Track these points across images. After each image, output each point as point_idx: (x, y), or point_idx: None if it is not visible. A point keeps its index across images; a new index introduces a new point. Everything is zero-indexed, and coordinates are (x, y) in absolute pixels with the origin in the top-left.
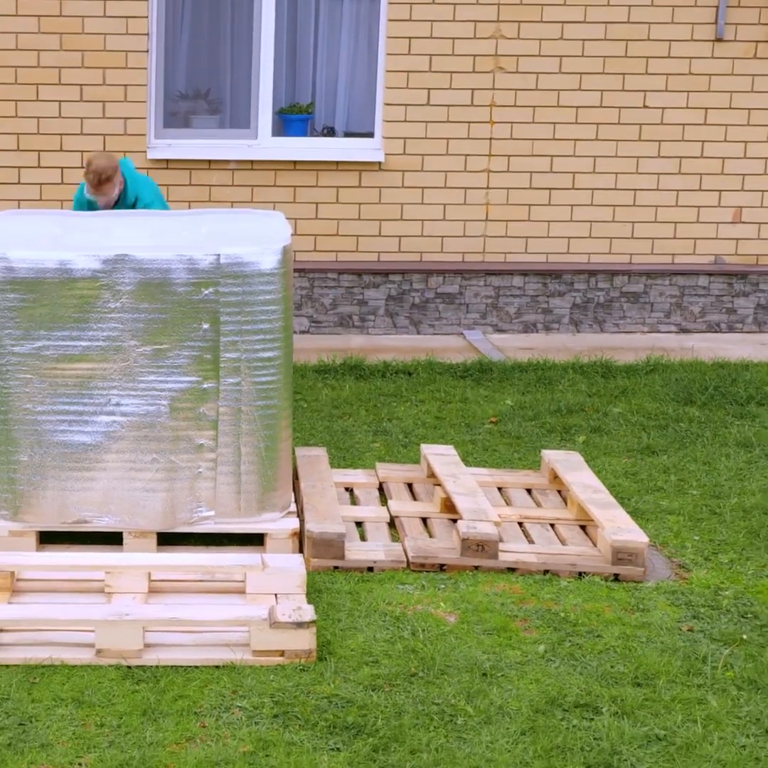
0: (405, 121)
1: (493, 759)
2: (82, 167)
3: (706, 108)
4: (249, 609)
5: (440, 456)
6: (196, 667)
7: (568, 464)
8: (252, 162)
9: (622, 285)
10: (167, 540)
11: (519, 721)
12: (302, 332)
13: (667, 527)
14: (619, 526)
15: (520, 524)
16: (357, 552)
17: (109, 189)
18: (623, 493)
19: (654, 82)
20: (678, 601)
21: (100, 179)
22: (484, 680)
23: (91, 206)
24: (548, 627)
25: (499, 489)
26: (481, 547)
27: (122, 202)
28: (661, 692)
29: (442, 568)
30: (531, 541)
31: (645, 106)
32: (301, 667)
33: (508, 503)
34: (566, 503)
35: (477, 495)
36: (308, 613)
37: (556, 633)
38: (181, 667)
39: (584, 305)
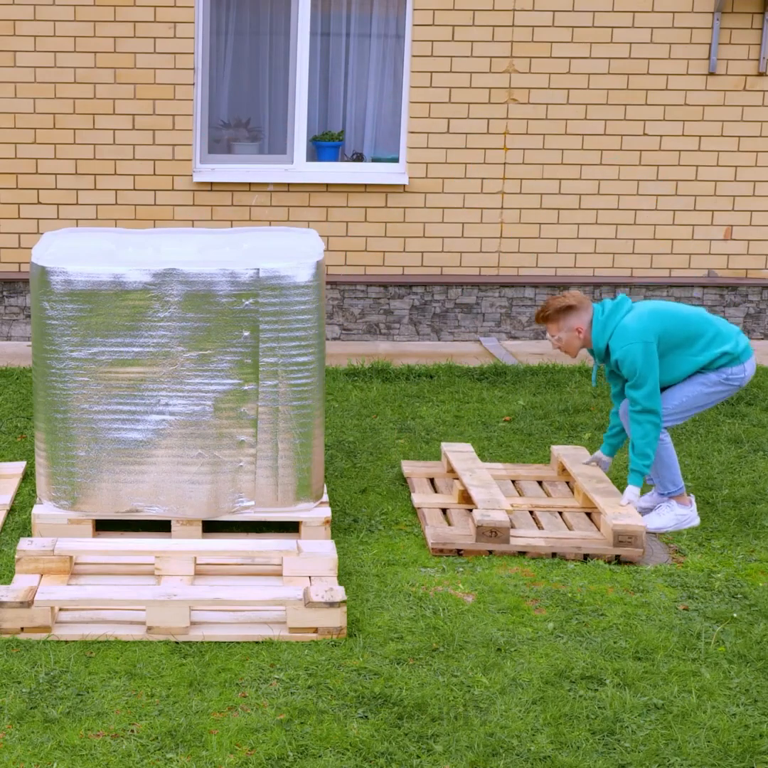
0: (427, 147)
1: (507, 726)
2: (133, 189)
3: (700, 136)
4: (285, 590)
5: (458, 453)
6: (238, 642)
7: (575, 458)
8: (288, 185)
9: None
10: (211, 527)
11: (530, 691)
12: (334, 339)
13: None
14: (620, 512)
15: (531, 512)
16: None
17: (550, 329)
18: (624, 484)
19: (653, 112)
20: (674, 583)
21: (541, 312)
22: (499, 655)
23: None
24: (557, 606)
25: (513, 481)
26: (494, 533)
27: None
28: (659, 665)
29: (459, 553)
30: (541, 527)
31: (645, 134)
32: (332, 643)
33: (520, 494)
34: (573, 493)
35: (491, 487)
36: (339, 593)
37: (564, 612)
38: (224, 642)
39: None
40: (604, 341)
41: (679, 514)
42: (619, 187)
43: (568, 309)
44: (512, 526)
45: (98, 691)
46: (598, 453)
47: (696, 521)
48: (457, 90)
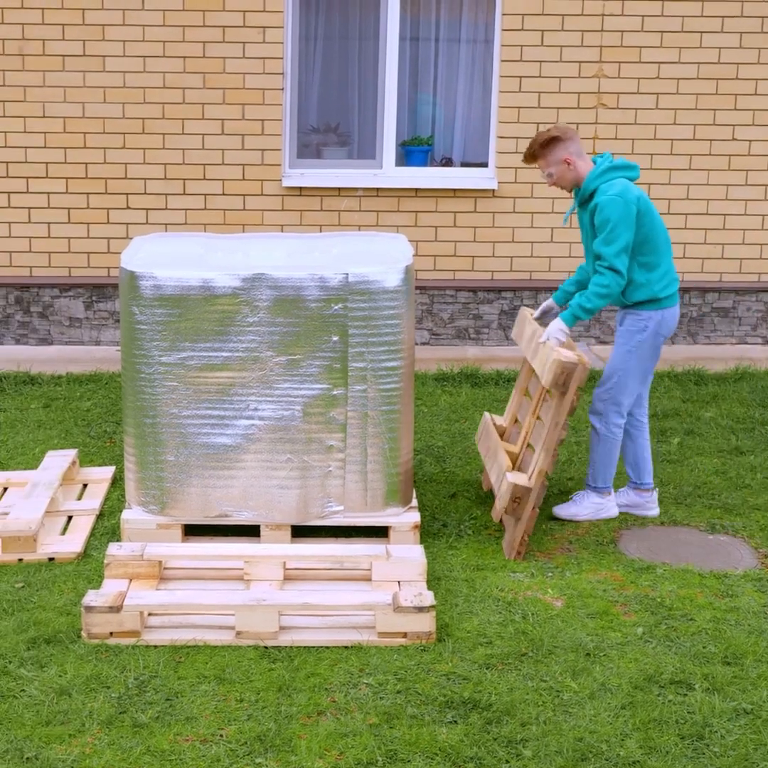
0: (516, 152)
1: (596, 731)
2: (222, 194)
3: None
4: (374, 595)
5: None
6: (327, 647)
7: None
8: (377, 189)
9: (712, 301)
10: (300, 532)
11: (619, 696)
12: (423, 344)
13: (754, 521)
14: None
15: None
16: None
17: (540, 165)
18: (714, 489)
19: (742, 117)
20: (764, 588)
21: (528, 151)
22: (588, 659)
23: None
24: (646, 611)
25: None
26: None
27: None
28: (749, 670)
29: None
30: None
31: (734, 139)
32: (421, 648)
33: None
34: None
35: None
36: (428, 598)
37: (653, 616)
38: (313, 647)
39: (679, 319)
40: (595, 183)
41: (596, 503)
42: (707, 192)
43: (552, 140)
44: None
45: (187, 695)
46: (549, 301)
47: (615, 512)
48: (546, 95)
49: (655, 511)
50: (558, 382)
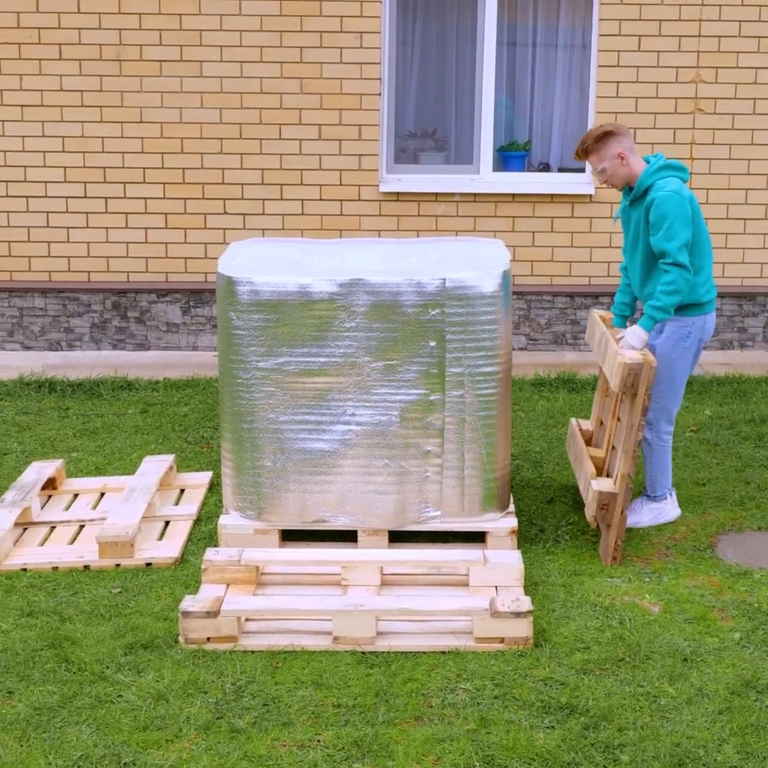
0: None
1: (693, 736)
2: (319, 199)
3: None
4: (472, 600)
5: None
6: (424, 652)
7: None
8: (475, 195)
9: None
10: (397, 537)
11: (717, 701)
12: (520, 349)
13: None
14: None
15: None
16: None
17: (592, 161)
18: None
19: None
20: None
21: (580, 146)
22: (685, 665)
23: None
24: (743, 616)
25: None
26: None
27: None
28: None
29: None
30: None
31: None
32: (519, 653)
33: None
34: None
35: None
36: (526, 603)
37: (750, 622)
38: (410, 652)
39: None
40: (651, 179)
41: (655, 508)
42: None
43: (607, 135)
44: None
45: (284, 701)
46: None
47: (675, 514)
48: (643, 100)
49: (675, 513)
50: (626, 384)
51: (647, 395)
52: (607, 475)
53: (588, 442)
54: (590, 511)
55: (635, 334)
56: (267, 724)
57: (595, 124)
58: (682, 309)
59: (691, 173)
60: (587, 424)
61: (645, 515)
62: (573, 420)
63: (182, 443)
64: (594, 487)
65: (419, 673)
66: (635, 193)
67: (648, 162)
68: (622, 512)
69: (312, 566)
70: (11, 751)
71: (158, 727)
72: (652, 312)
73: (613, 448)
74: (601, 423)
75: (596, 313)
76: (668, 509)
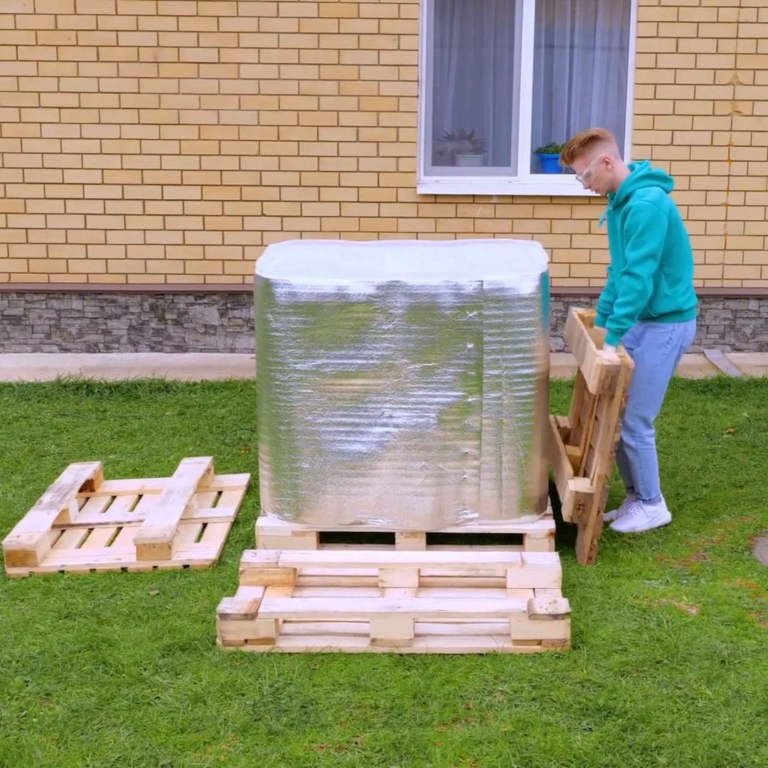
0: (651, 159)
1: (731, 738)
2: (357, 201)
3: None
4: (509, 602)
5: None
6: (461, 654)
7: None
8: (512, 197)
9: None
10: (434, 539)
11: (754, 704)
12: (557, 351)
13: None
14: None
15: None
16: None
17: (578, 165)
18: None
19: None
20: None
21: (566, 150)
22: (723, 667)
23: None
24: None
25: None
26: None
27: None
28: None
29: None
30: None
31: None
32: (556, 655)
33: None
34: None
35: None
36: (563, 605)
37: None
38: (448, 654)
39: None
40: (632, 187)
41: (651, 511)
42: None
43: (593, 140)
44: None
45: (322, 703)
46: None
47: (667, 518)
48: (681, 102)
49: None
50: (604, 386)
51: (624, 397)
52: (585, 475)
53: (565, 439)
54: (567, 511)
55: (606, 352)
56: (304, 726)
57: (632, 125)
58: (664, 316)
59: (728, 176)
60: (565, 421)
61: (641, 520)
62: (551, 417)
63: (220, 445)
64: (571, 487)
65: (457, 675)
66: (617, 200)
67: (633, 169)
68: (598, 513)
69: (349, 568)
70: (49, 753)
71: (196, 729)
72: (611, 325)
73: (591, 447)
74: (579, 421)
75: (576, 312)
76: (663, 511)
